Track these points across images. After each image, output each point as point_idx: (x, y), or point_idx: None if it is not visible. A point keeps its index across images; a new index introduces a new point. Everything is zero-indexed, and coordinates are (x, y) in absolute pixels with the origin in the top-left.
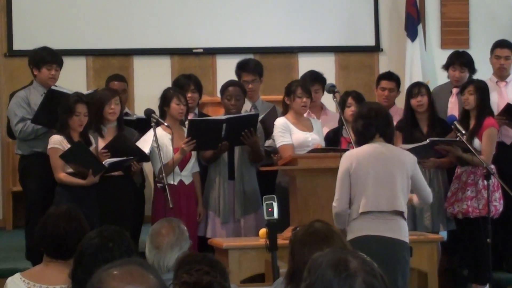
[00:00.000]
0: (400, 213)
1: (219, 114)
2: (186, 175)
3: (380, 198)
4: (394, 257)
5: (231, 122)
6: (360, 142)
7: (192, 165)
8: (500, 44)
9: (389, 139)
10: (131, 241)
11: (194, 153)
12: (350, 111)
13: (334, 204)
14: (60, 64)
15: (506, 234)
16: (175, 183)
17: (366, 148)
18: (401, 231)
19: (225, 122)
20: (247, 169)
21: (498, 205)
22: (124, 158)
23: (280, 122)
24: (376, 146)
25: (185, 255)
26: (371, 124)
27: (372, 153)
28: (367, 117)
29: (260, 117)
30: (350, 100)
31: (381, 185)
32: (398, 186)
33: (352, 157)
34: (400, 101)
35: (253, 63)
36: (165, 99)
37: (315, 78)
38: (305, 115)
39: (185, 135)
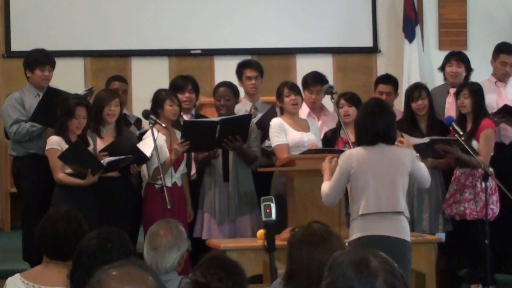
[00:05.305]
0: (401, 213)
1: (216, 116)
2: (179, 177)
3: (380, 199)
4: (396, 256)
5: (225, 123)
6: (360, 142)
7: (183, 167)
8: (506, 50)
9: (391, 141)
10: (129, 242)
11: (184, 155)
12: (342, 111)
13: (326, 194)
14: (53, 65)
15: (504, 236)
16: (169, 185)
17: (367, 149)
18: (403, 230)
19: (219, 124)
20: (242, 170)
21: (495, 208)
22: (123, 156)
23: (276, 122)
24: (377, 148)
25: (213, 256)
26: (373, 125)
27: (372, 155)
28: (369, 117)
29: (259, 117)
30: (342, 101)
31: (381, 187)
32: (399, 187)
33: (352, 157)
34: (398, 102)
35: (255, 61)
36: (158, 101)
37: (317, 79)
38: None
39: (178, 136)
